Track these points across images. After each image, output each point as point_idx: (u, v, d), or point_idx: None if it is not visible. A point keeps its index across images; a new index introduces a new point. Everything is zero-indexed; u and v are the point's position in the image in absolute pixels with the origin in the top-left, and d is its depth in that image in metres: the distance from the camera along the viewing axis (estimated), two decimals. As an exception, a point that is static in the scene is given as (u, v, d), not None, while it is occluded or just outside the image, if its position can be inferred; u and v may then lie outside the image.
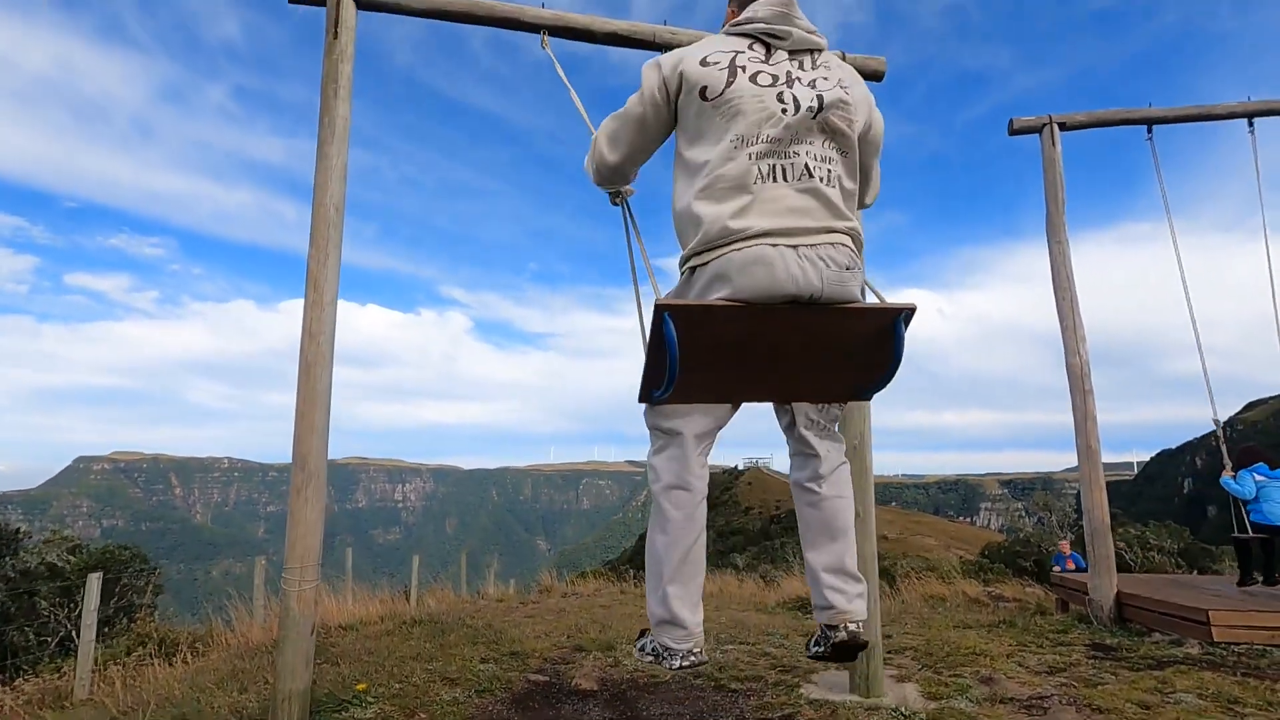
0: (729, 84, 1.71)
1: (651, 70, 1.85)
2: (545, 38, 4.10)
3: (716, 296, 1.68)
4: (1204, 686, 3.93)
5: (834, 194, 1.72)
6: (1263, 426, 74.70)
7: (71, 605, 7.20)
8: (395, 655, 5.03)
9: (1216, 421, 6.24)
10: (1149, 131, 6.88)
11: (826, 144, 1.72)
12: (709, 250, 1.71)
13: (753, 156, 1.67)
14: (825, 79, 1.76)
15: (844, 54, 4.52)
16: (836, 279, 1.68)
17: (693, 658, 1.83)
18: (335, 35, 3.94)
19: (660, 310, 1.61)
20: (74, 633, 6.96)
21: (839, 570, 1.94)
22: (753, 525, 50.15)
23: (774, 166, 1.67)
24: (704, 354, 1.67)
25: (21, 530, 7.99)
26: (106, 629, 6.83)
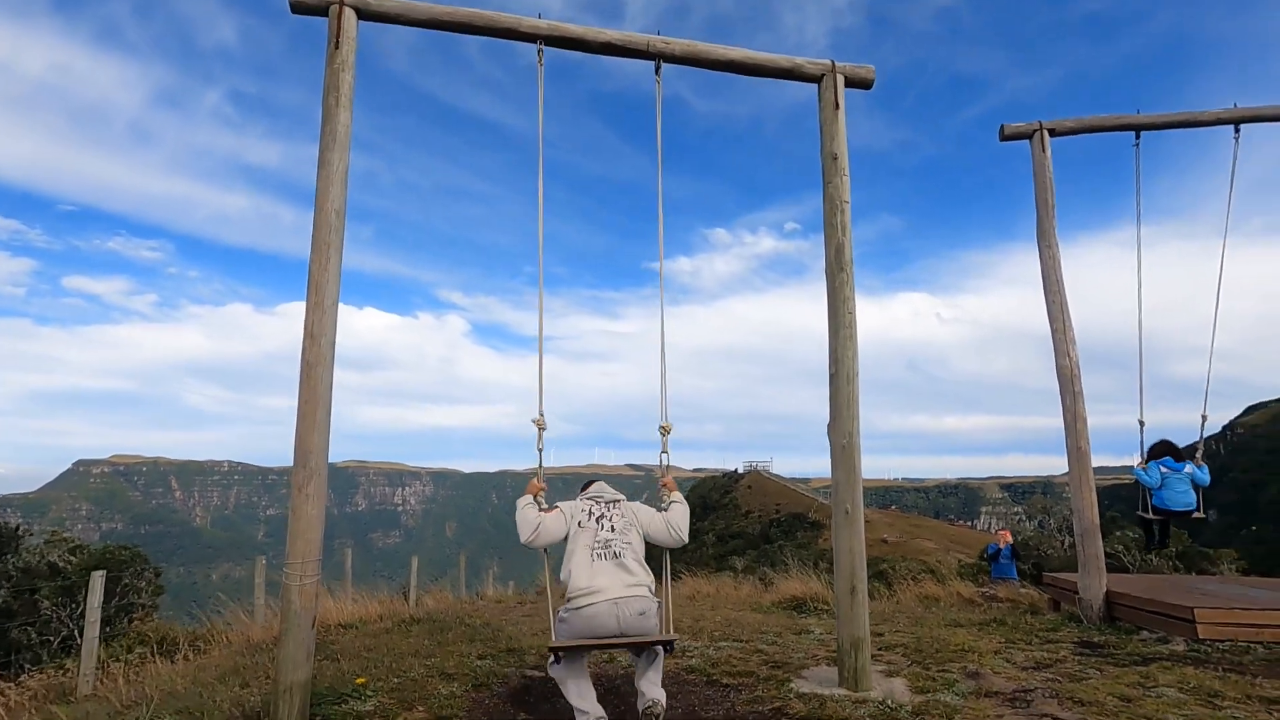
0: (587, 517, 3.51)
1: (560, 513, 3.55)
2: (540, 50, 4.21)
3: (574, 627, 3.30)
4: (1185, 681, 4.01)
5: (633, 565, 3.40)
6: (1264, 430, 74.54)
7: (73, 604, 7.27)
8: (394, 652, 5.11)
9: (1141, 423, 6.89)
10: (1136, 138, 6.98)
11: (623, 544, 3.44)
12: (573, 600, 3.31)
13: (592, 551, 3.40)
14: (620, 514, 3.55)
15: (834, 63, 4.61)
16: (636, 620, 3.28)
17: None
18: (337, 45, 4.04)
19: (552, 650, 3.30)
20: (76, 631, 7.04)
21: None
22: (752, 528, 50.16)
23: (601, 555, 3.39)
24: (569, 654, 3.38)
25: (22, 529, 8.06)
26: (108, 628, 6.90)
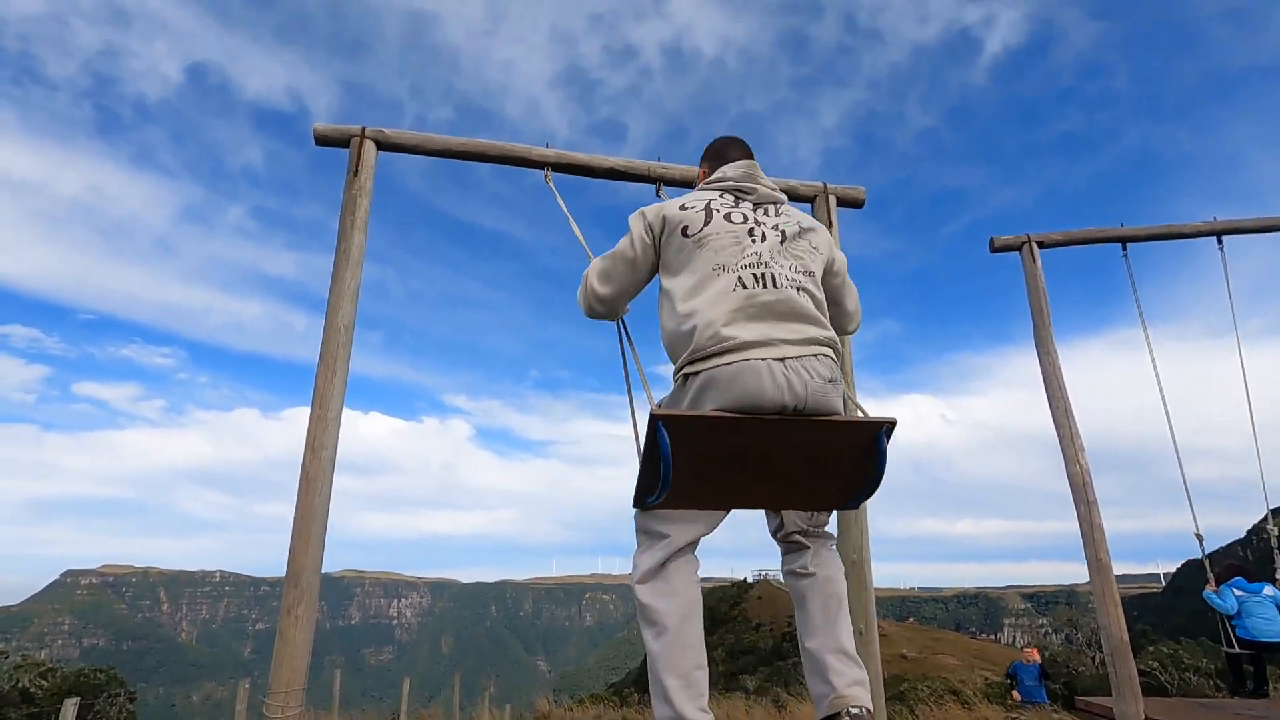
0: (707, 222, 1.99)
1: (638, 218, 2.11)
2: (549, 174, 4.46)
3: (708, 407, 1.80)
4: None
5: (810, 308, 1.90)
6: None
7: (42, 734, 6.82)
8: (378, 791, 4.73)
9: (1199, 537, 6.31)
10: (1124, 249, 7.23)
11: (795, 268, 1.95)
12: (701, 360, 1.85)
13: (733, 279, 1.88)
14: (787, 221, 2.06)
15: (826, 185, 4.88)
16: (820, 390, 1.81)
17: None
18: (355, 173, 4.30)
19: (655, 420, 1.71)
20: (41, 766, 6.56)
21: (837, 650, 1.92)
22: (764, 643, 47.59)
23: (753, 285, 1.87)
24: (695, 462, 1.76)
25: (-2, 650, 7.71)
26: (76, 761, 6.43)
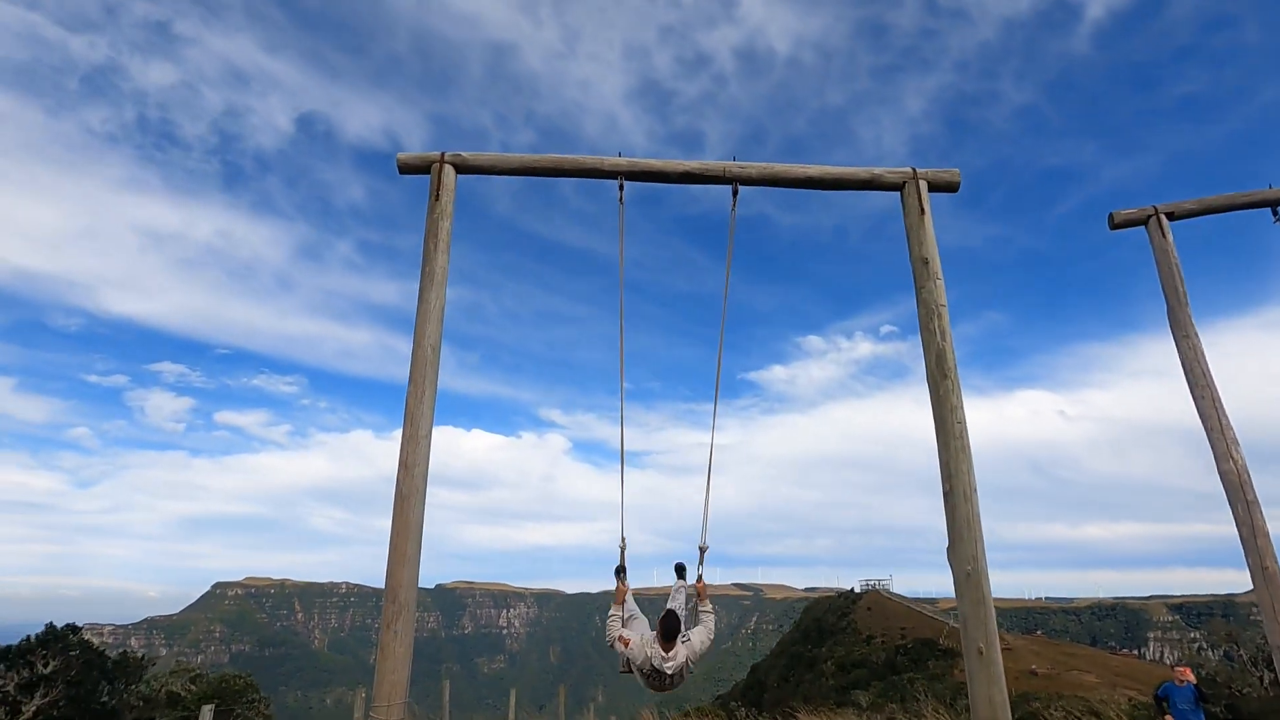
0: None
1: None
2: (622, 184, 4.42)
3: None
4: None
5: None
6: None
7: (190, 735, 7.42)
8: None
9: None
10: (1275, 214, 6.38)
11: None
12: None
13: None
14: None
15: (915, 170, 4.57)
16: None
17: None
18: (437, 197, 4.43)
19: None
20: (189, 765, 7.12)
21: None
22: (876, 656, 45.51)
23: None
24: None
25: (146, 658, 8.49)
26: (219, 761, 6.95)
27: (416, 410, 3.98)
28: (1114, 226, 6.77)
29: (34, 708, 6.70)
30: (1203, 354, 6.22)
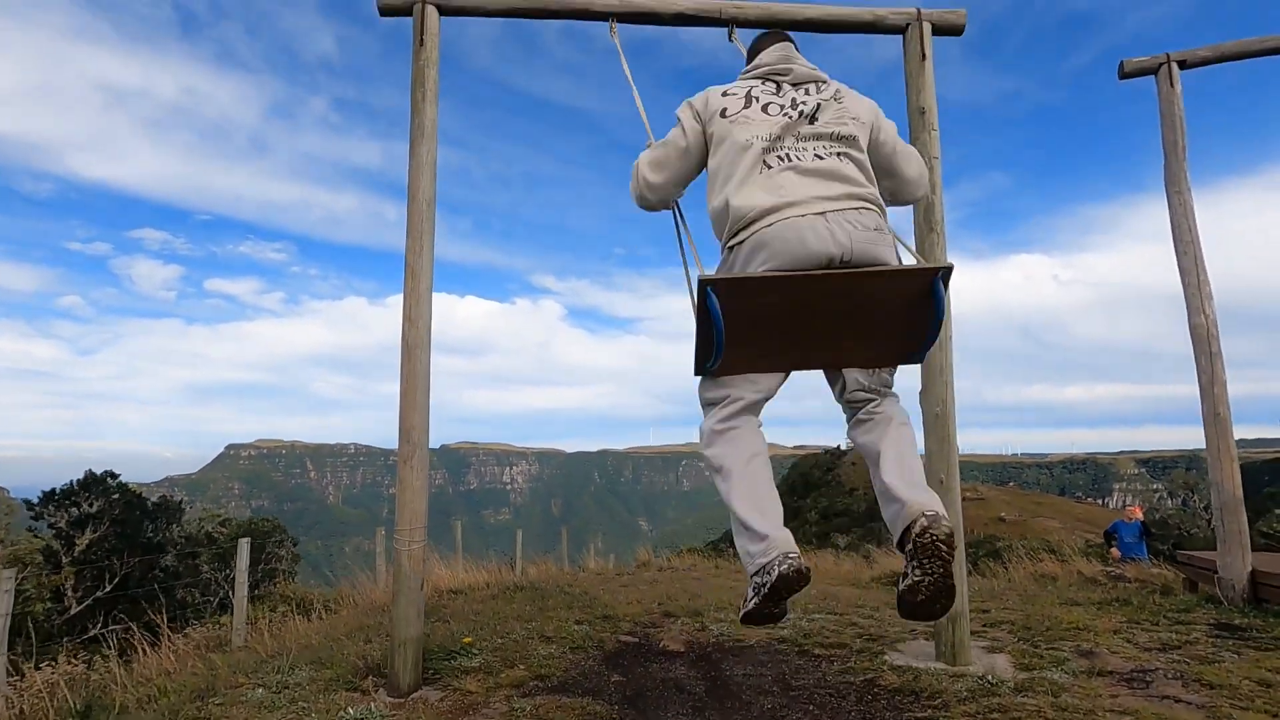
0: (745, 106, 2.10)
1: (685, 107, 2.22)
2: (614, 25, 4.23)
3: (755, 268, 1.86)
4: (1343, 668, 3.61)
5: (850, 170, 1.98)
6: None
7: (227, 570, 8.21)
8: (499, 616, 5.43)
9: None
10: (1289, 62, 6.15)
11: (834, 136, 2.02)
12: (743, 229, 1.94)
13: (770, 152, 1.98)
14: (824, 97, 2.12)
15: (920, 10, 4.38)
16: (865, 239, 1.86)
17: (789, 562, 1.72)
18: (421, 43, 4.25)
19: (703, 285, 1.76)
20: (230, 592, 7.95)
21: (910, 483, 1.88)
22: (857, 506, 48.78)
23: (790, 157, 1.96)
24: (748, 323, 1.79)
25: (183, 502, 9.21)
26: (256, 590, 7.76)
27: (416, 264, 4.08)
28: (1124, 76, 6.53)
29: (86, 541, 7.41)
30: (1192, 210, 6.25)
